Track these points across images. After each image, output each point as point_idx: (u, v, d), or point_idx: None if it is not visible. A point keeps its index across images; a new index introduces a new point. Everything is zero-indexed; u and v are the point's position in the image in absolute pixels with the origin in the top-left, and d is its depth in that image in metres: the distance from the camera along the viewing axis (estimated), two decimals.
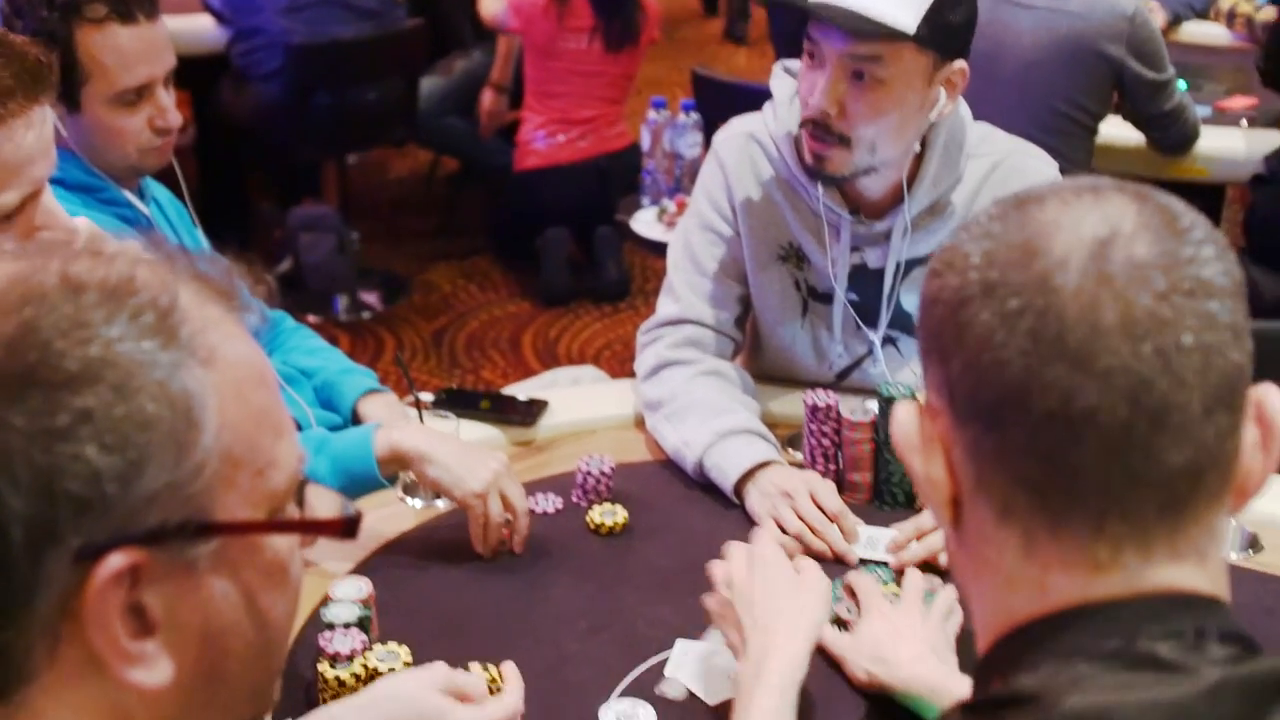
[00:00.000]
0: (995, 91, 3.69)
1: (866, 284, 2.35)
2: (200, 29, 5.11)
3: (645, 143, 4.14)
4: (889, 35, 2.07)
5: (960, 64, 2.18)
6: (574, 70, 5.15)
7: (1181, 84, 4.01)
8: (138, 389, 0.88)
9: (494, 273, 5.66)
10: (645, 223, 4.13)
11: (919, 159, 2.26)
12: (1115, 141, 3.92)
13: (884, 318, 2.36)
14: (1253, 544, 2.11)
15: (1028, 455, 0.94)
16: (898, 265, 2.32)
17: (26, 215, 1.62)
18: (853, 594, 1.90)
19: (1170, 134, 3.82)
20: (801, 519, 2.07)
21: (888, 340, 2.38)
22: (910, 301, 2.35)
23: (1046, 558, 0.96)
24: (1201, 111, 4.00)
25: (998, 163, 2.30)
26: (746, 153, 2.36)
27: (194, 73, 5.28)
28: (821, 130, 2.16)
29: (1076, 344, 0.91)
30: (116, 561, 0.86)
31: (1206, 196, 4.49)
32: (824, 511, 2.08)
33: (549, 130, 5.21)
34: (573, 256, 5.49)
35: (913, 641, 1.76)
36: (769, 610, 1.66)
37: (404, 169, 6.65)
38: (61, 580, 0.86)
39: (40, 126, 1.61)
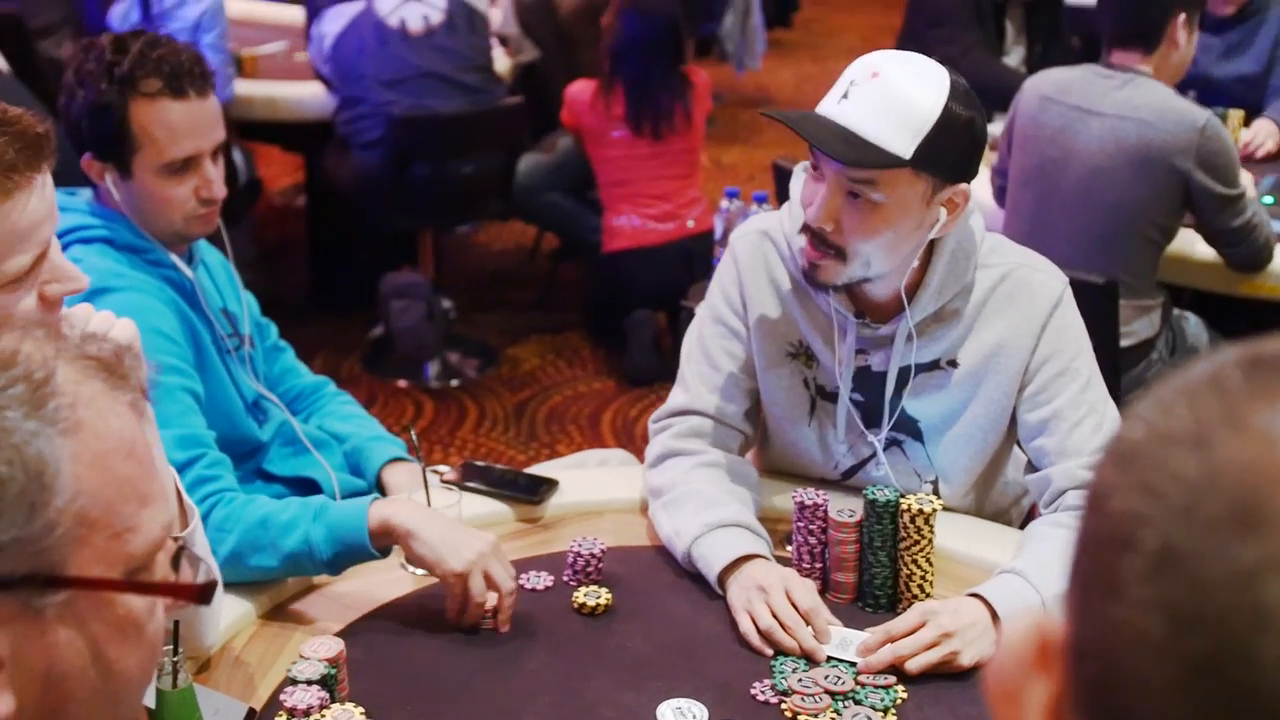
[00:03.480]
0: (1061, 198, 3.71)
1: (871, 386, 2.39)
2: (312, 95, 5.32)
3: (718, 230, 4.21)
4: (884, 163, 2.13)
5: (963, 187, 2.22)
6: (631, 156, 5.25)
7: (1268, 199, 3.98)
8: None
9: (584, 350, 5.75)
10: None
11: (925, 267, 2.30)
12: (1186, 254, 3.89)
13: (885, 420, 2.39)
14: None
15: None
16: (900, 370, 2.35)
17: (35, 273, 1.75)
18: None
19: (1240, 250, 3.78)
20: (774, 614, 2.11)
21: (893, 443, 2.42)
22: (914, 407, 2.38)
23: None
24: None
25: (1006, 274, 2.33)
26: (760, 250, 2.42)
27: (307, 138, 5.51)
28: (818, 240, 2.22)
29: None
30: None
31: None
32: (797, 609, 2.12)
33: (628, 216, 5.31)
34: (660, 338, 5.57)
35: None
36: None
37: (510, 241, 6.79)
38: None
39: (43, 190, 1.73)
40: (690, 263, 5.19)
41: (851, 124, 2.13)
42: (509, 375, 5.54)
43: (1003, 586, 2.13)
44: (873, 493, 2.19)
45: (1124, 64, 3.65)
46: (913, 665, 2.04)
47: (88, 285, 1.84)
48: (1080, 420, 2.30)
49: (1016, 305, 2.32)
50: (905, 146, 2.12)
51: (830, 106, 2.17)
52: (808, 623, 2.12)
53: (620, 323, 5.50)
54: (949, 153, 2.16)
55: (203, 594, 1.10)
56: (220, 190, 2.47)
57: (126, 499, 1.04)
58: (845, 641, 2.12)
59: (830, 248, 2.21)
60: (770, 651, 2.10)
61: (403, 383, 5.38)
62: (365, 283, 5.52)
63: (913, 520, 2.18)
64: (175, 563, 1.10)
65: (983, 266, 2.34)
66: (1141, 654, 0.62)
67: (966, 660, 2.06)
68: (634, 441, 5.02)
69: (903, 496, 2.19)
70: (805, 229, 2.24)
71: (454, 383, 5.45)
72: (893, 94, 2.12)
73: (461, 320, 5.71)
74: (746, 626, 2.13)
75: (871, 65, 2.15)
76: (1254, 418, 0.63)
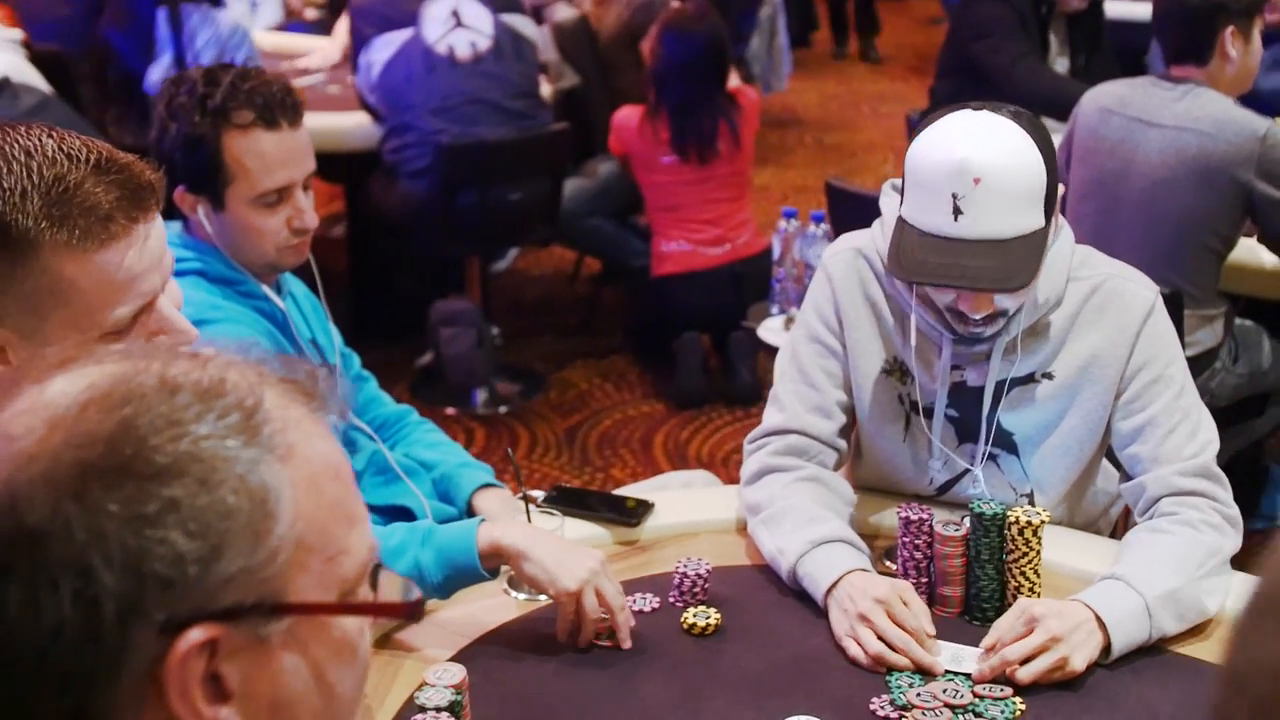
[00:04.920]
0: (1123, 210, 3.72)
1: (966, 402, 2.40)
2: (356, 125, 5.34)
3: (776, 251, 4.22)
4: (1035, 247, 2.17)
5: (1060, 188, 2.25)
6: (679, 181, 5.25)
7: None
8: (220, 482, 0.97)
9: (631, 373, 5.76)
10: (772, 330, 4.20)
11: None
12: (1245, 262, 3.89)
13: (983, 435, 2.40)
14: None
15: None
16: (997, 385, 2.36)
17: (141, 324, 1.63)
18: None
19: None
20: (881, 638, 2.12)
21: (988, 457, 2.42)
22: (1010, 420, 2.39)
23: None
24: None
25: (1097, 285, 2.35)
26: (854, 268, 2.44)
27: (349, 167, 5.53)
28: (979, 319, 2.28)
29: None
30: (196, 635, 0.96)
31: None
32: (902, 626, 2.13)
33: (678, 241, 5.32)
34: (708, 360, 5.58)
35: None
36: None
37: (550, 267, 6.81)
38: (147, 650, 0.95)
39: (144, 243, 1.60)
40: (739, 285, 5.19)
41: (984, 233, 2.15)
42: (557, 400, 5.55)
43: (1105, 592, 2.14)
44: (979, 506, 2.20)
45: (1182, 76, 3.67)
46: (1023, 675, 2.04)
47: (197, 339, 1.80)
48: (1174, 427, 2.31)
49: (1109, 316, 2.33)
50: (1039, 214, 2.17)
51: (946, 226, 2.16)
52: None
53: (665, 344, 5.52)
54: (1054, 180, 2.20)
55: (413, 611, 1.11)
56: (312, 220, 2.48)
57: (338, 521, 1.05)
58: (958, 656, 2.13)
59: (993, 317, 2.27)
60: (883, 668, 2.11)
61: (451, 410, 5.39)
62: (409, 311, 5.54)
63: (1020, 532, 2.18)
64: (373, 582, 1.11)
65: (1074, 279, 2.35)
66: None
67: (1078, 664, 2.06)
68: (687, 464, 5.02)
69: (1009, 509, 2.20)
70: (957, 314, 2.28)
71: (502, 409, 5.46)
72: (1007, 184, 2.14)
73: (506, 347, 5.73)
74: (855, 652, 2.13)
75: (963, 169, 2.13)
76: None
